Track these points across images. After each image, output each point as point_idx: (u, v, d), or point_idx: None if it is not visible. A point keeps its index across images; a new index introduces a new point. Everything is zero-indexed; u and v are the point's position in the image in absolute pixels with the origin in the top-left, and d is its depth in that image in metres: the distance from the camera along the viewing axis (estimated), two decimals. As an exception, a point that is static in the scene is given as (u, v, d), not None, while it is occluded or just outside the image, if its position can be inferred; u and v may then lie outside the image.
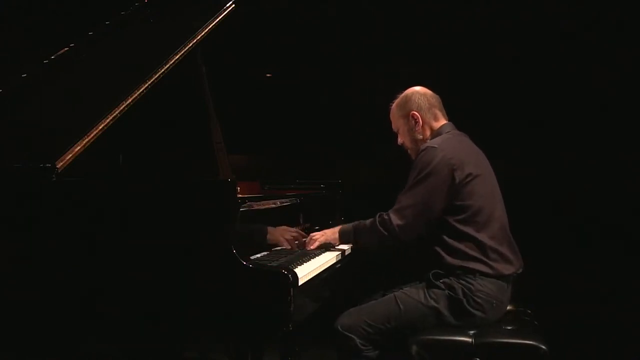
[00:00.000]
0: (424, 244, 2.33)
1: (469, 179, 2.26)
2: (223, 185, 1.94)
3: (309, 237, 2.51)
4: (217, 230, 1.87)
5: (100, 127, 2.00)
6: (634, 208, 4.36)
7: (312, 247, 2.46)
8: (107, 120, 2.02)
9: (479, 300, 2.20)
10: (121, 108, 2.05)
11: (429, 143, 2.36)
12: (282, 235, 2.50)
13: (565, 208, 4.57)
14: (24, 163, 1.95)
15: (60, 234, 1.95)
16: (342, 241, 2.48)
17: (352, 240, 2.47)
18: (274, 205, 2.49)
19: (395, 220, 2.26)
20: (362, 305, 2.33)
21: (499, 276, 2.25)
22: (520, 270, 2.35)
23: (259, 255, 2.31)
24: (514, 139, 4.56)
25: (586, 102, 4.52)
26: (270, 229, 2.47)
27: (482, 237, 2.24)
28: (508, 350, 2.12)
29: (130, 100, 2.08)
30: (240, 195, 1.99)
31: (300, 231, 2.59)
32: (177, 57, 2.23)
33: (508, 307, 2.36)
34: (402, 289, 2.32)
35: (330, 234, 2.49)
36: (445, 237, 2.26)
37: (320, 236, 2.48)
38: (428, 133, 2.46)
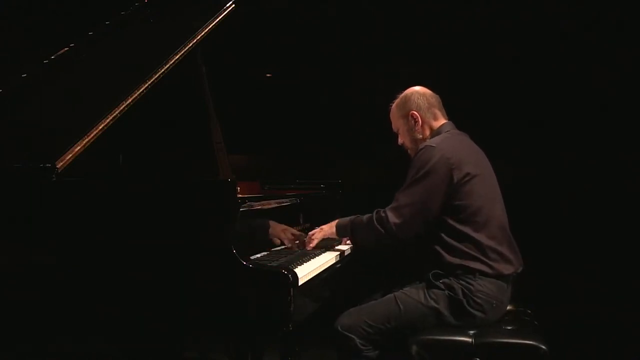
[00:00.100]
0: (424, 243, 2.33)
1: (467, 178, 2.26)
2: (223, 185, 1.95)
3: (307, 237, 2.51)
4: (217, 230, 1.87)
5: (100, 127, 2.00)
6: (634, 208, 4.36)
7: (311, 246, 2.47)
8: (107, 120, 2.02)
9: (478, 301, 2.20)
10: (121, 108, 2.06)
11: (428, 142, 2.36)
12: (282, 235, 2.51)
13: (565, 208, 4.56)
14: (24, 163, 1.95)
15: (60, 233, 1.95)
16: (339, 235, 2.48)
17: (349, 235, 2.47)
18: (274, 205, 2.49)
19: (393, 218, 2.26)
20: (362, 305, 2.33)
21: (499, 276, 2.25)
22: (520, 270, 2.35)
23: (259, 255, 2.31)
24: (514, 139, 4.54)
25: (586, 102, 4.51)
26: (270, 229, 2.47)
27: (480, 237, 2.24)
28: (508, 350, 2.12)
29: (130, 100, 2.08)
30: (240, 195, 1.98)
31: (300, 231, 2.58)
32: (177, 57, 2.23)
33: (508, 307, 2.36)
34: (402, 289, 2.32)
35: (327, 228, 2.49)
36: (445, 237, 2.26)
37: (318, 232, 2.49)
38: (428, 132, 2.46)
